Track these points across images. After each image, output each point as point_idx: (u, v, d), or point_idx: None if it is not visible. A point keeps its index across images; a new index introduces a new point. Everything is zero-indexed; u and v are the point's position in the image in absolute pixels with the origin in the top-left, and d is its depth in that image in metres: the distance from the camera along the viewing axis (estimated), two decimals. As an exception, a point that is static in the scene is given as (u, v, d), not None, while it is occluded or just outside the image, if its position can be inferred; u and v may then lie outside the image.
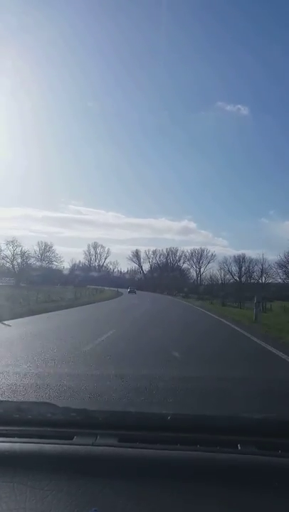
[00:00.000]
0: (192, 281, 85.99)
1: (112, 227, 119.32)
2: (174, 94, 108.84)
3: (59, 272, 74.65)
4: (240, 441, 1.30)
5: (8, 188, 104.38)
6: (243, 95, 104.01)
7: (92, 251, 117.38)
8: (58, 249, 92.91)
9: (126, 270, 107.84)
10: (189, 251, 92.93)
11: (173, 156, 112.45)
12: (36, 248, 72.43)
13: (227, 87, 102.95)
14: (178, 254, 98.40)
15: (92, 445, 1.27)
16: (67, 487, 1.10)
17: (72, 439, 1.31)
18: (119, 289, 60.09)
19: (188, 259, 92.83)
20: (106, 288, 63.32)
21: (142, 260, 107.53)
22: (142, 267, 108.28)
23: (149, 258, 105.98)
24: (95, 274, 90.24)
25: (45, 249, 74.69)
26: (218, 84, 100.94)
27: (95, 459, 1.21)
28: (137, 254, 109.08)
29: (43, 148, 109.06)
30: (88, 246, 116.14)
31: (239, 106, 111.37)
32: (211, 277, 75.27)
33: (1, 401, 2.34)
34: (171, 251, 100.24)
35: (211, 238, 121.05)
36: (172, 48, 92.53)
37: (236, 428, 1.38)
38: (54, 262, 74.64)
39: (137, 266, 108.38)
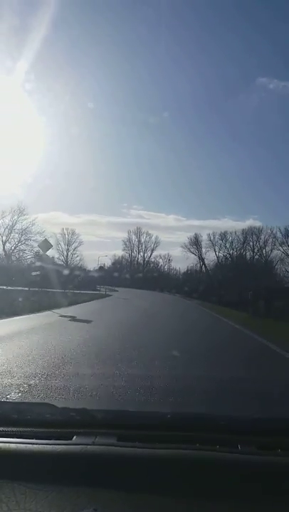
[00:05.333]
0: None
1: (174, 230, 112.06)
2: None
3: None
4: (240, 440, 1.29)
5: (75, 196, 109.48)
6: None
7: (135, 240, 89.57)
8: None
9: (185, 269, 78.97)
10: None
11: (232, 152, 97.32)
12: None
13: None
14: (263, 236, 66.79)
15: (92, 445, 1.27)
16: (67, 487, 1.11)
17: (71, 438, 1.31)
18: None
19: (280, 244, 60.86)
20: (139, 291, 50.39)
21: (203, 251, 76.66)
22: (203, 261, 77.30)
23: (214, 245, 74.82)
24: (126, 273, 76.02)
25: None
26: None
27: (94, 459, 1.22)
28: (196, 241, 78.44)
29: (104, 156, 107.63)
30: (129, 233, 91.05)
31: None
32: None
33: (0, 402, 2.32)
34: (253, 232, 68.51)
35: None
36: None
37: (236, 427, 1.39)
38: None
39: (194, 259, 77.87)
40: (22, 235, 48.45)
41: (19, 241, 48.86)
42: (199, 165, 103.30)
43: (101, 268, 71.51)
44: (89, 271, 70.10)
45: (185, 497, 1.09)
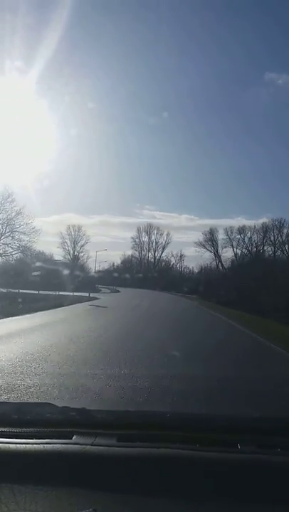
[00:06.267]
0: None
1: (186, 229, 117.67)
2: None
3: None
4: (239, 440, 1.29)
5: (88, 197, 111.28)
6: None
7: (144, 237, 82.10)
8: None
9: (199, 268, 70.82)
10: None
11: (246, 149, 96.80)
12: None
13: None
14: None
15: (92, 445, 1.27)
16: (67, 487, 1.11)
17: (71, 438, 1.31)
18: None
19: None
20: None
21: (220, 247, 68.02)
22: (220, 258, 68.39)
23: (232, 241, 65.93)
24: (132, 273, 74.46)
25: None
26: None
27: (94, 459, 1.22)
28: (212, 237, 69.65)
29: (117, 156, 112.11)
30: (138, 230, 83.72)
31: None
32: None
33: (0, 402, 2.26)
34: (275, 224, 60.08)
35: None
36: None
37: (236, 427, 1.39)
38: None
39: (210, 257, 69.04)
40: (6, 226, 40.12)
41: (2, 234, 40.65)
42: (212, 163, 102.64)
43: (99, 271, 67.55)
44: (89, 271, 65.04)
45: (185, 497, 1.09)
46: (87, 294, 34.64)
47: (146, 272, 75.67)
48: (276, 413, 2.21)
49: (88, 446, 1.25)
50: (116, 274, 76.14)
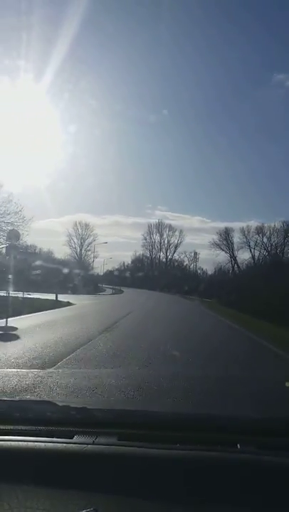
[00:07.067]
0: None
1: (198, 231, 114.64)
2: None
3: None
4: (239, 440, 1.29)
5: (100, 197, 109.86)
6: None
7: (155, 234, 76.68)
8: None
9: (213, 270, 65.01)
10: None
11: (261, 151, 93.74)
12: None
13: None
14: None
15: (93, 444, 1.27)
16: (68, 486, 1.10)
17: (72, 438, 1.30)
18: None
19: None
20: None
21: (235, 248, 62.06)
22: (236, 259, 62.35)
23: (249, 241, 59.88)
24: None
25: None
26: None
27: (95, 458, 1.22)
28: (227, 237, 63.65)
29: (130, 156, 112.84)
30: (149, 227, 78.28)
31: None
32: None
33: (0, 400, 2.10)
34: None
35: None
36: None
37: (236, 427, 1.38)
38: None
39: (225, 258, 63.00)
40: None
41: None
42: (226, 165, 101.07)
43: (111, 271, 62.79)
44: (92, 270, 60.68)
45: (185, 497, 1.09)
46: (76, 296, 28.52)
47: (157, 273, 69.87)
48: (277, 413, 1.84)
49: (89, 446, 1.25)
50: (128, 274, 71.43)
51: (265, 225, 58.18)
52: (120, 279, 68.07)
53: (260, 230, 57.87)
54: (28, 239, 38.46)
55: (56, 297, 24.01)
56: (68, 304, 22.82)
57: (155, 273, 71.12)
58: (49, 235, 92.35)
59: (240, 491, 1.09)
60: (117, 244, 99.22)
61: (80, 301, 26.06)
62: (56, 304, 21.83)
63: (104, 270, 72.00)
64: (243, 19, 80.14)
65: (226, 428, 1.35)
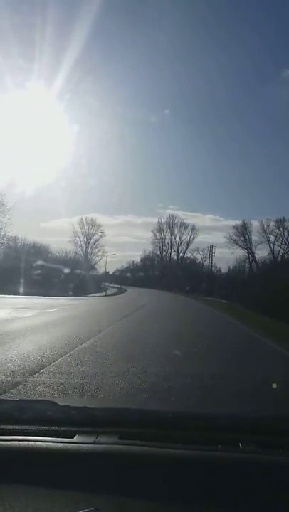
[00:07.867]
0: None
1: (210, 230, 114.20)
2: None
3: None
4: (241, 439, 1.29)
5: (111, 197, 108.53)
6: None
7: (166, 231, 70.49)
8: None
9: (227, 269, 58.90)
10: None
11: (273, 149, 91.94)
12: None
13: None
14: None
15: (93, 443, 1.27)
16: (69, 485, 1.11)
17: (73, 437, 1.31)
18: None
19: None
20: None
21: (253, 243, 55.63)
22: (254, 255, 55.85)
23: (267, 234, 53.49)
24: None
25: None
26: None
27: (96, 458, 1.22)
28: (244, 231, 57.18)
29: (141, 156, 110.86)
30: (159, 223, 72.06)
31: None
32: None
33: (1, 400, 2.31)
34: None
35: None
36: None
37: (237, 426, 1.39)
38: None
39: (243, 254, 56.59)
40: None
41: None
42: (238, 163, 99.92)
43: (121, 270, 57.56)
44: (96, 269, 55.93)
45: (186, 496, 1.09)
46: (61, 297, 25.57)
47: (167, 271, 63.51)
48: (277, 412, 1.93)
49: (90, 445, 1.25)
50: (138, 273, 66.01)
51: (287, 217, 51.50)
52: (128, 278, 62.44)
53: (280, 223, 51.10)
54: (34, 237, 36.33)
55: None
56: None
57: (165, 272, 64.85)
58: (62, 234, 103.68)
59: (242, 490, 1.09)
60: (128, 244, 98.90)
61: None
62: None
63: (114, 269, 66.66)
64: (249, 15, 77.61)
65: (227, 427, 1.37)
